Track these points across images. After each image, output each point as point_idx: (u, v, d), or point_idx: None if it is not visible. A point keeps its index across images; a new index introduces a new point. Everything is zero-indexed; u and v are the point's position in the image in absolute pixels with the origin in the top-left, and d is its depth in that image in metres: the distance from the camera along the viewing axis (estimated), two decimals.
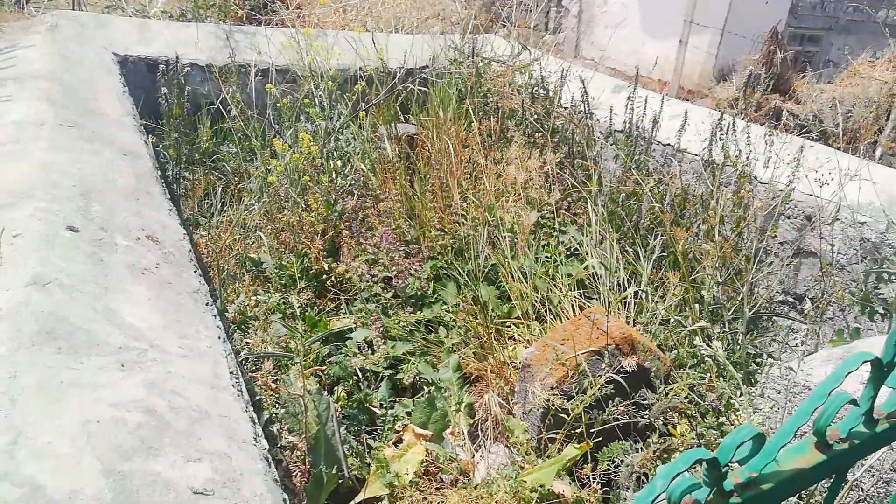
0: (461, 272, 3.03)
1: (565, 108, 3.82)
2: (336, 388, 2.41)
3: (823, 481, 1.50)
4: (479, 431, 2.39)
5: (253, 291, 2.92)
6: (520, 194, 3.16)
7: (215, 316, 1.65)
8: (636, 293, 2.81)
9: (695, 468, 0.78)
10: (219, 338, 1.54)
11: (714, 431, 2.02)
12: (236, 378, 1.42)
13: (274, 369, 2.30)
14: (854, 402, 0.93)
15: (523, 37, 4.22)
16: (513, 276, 2.97)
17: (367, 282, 2.91)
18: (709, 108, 4.33)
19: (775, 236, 3.03)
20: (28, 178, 1.87)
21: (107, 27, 4.19)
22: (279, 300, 2.83)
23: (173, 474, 1.04)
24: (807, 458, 0.88)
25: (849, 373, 0.83)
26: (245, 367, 2.03)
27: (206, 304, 1.68)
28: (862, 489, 1.69)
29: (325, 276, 3.03)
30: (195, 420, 1.20)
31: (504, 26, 5.60)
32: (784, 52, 8.98)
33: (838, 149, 3.33)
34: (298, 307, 2.74)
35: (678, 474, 0.70)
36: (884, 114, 8.43)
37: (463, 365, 2.64)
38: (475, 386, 2.66)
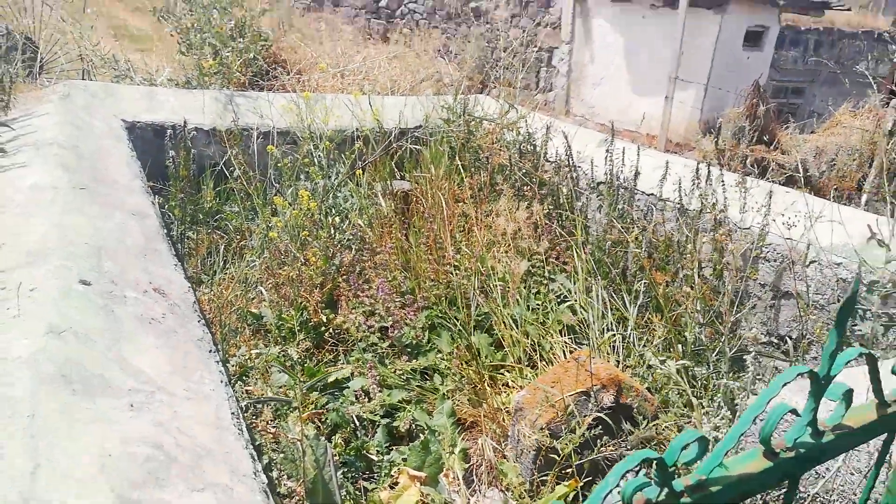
0: (455, 321, 3.13)
1: (552, 162, 3.99)
2: (334, 436, 2.48)
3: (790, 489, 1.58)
4: (474, 477, 2.45)
5: (254, 345, 3.01)
6: (510, 244, 3.29)
7: (218, 362, 1.75)
8: (624, 337, 2.90)
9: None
10: (221, 382, 1.63)
11: None
12: (237, 419, 1.51)
13: (274, 420, 2.38)
14: (795, 411, 1.02)
15: (511, 96, 4.43)
16: (505, 324, 3.06)
17: (364, 332, 3.00)
18: (694, 160, 4.53)
19: (756, 279, 3.14)
20: (44, 237, 2.00)
21: (115, 96, 4.42)
22: (279, 352, 2.92)
23: (180, 503, 1.12)
24: (755, 465, 0.97)
25: (785, 383, 0.93)
26: (246, 415, 2.11)
27: (210, 350, 1.78)
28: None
29: (323, 328, 3.13)
30: (199, 456, 1.29)
31: (494, 87, 5.86)
32: (766, 104, 9.30)
33: (825, 197, 3.47)
34: (297, 358, 2.84)
35: (628, 471, 0.79)
36: (866, 161, 8.66)
37: (458, 411, 2.71)
38: (470, 432, 2.73)
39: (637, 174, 3.47)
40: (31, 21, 5.98)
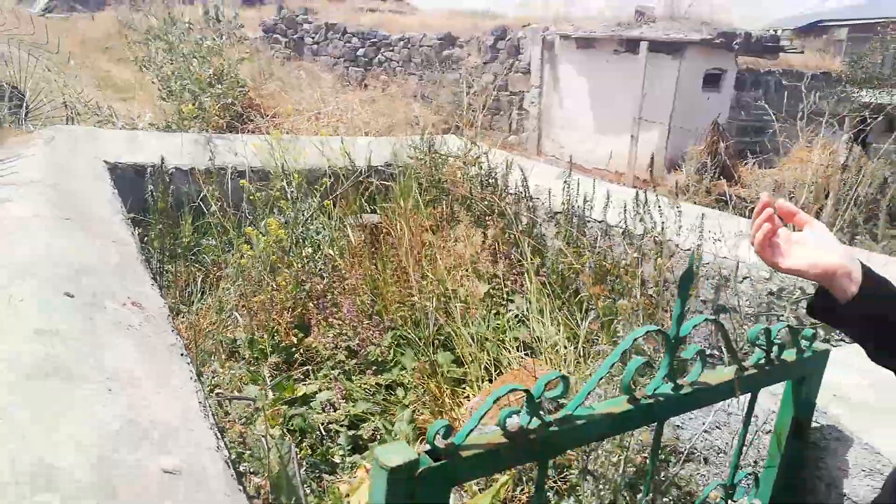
0: (419, 340, 3.33)
1: (512, 194, 4.27)
2: (302, 443, 2.66)
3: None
4: None
5: (228, 367, 3.18)
6: (468, 268, 3.52)
7: (189, 363, 1.94)
8: (576, 349, 3.12)
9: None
10: (190, 379, 1.83)
11: None
12: (204, 408, 1.70)
13: (242, 423, 2.55)
14: (650, 363, 1.25)
15: (484, 137, 4.73)
16: (465, 342, 3.27)
17: (332, 351, 3.20)
18: (661, 195, 4.91)
19: (697, 295, 3.39)
20: (30, 258, 2.20)
21: (98, 139, 4.66)
22: (251, 373, 3.10)
23: (149, 462, 1.31)
24: (619, 408, 1.19)
25: (635, 339, 1.16)
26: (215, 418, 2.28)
27: (181, 354, 1.98)
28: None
29: (293, 349, 3.32)
30: (168, 431, 1.48)
31: (458, 128, 6.17)
32: (726, 142, 9.74)
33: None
34: (268, 376, 3.02)
35: (498, 398, 1.01)
36: (823, 193, 9.07)
37: (419, 421, 2.90)
38: None
39: (585, 201, 3.74)
40: (18, 71, 6.24)
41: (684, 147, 10.06)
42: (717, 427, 1.86)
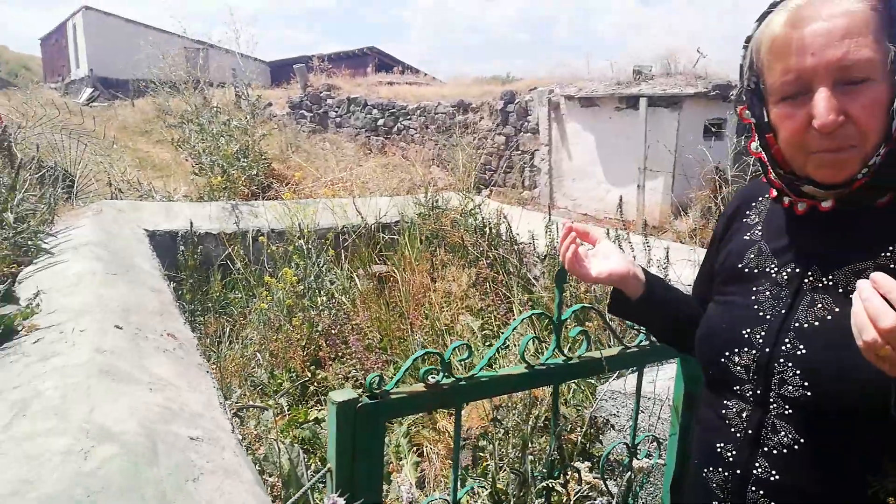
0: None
1: (504, 240, 4.73)
2: (312, 458, 3.07)
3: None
4: (425, 483, 3.01)
5: (251, 400, 3.64)
6: (460, 305, 3.97)
7: (213, 378, 2.41)
8: None
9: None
10: (213, 386, 2.29)
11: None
12: (223, 406, 2.16)
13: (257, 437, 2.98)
14: (538, 338, 1.66)
15: (466, 190, 5.26)
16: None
17: (341, 381, 3.63)
18: (668, 241, 5.41)
19: None
20: (87, 302, 2.72)
21: (139, 210, 5.29)
22: (272, 404, 3.55)
23: (180, 431, 1.77)
24: (516, 372, 1.61)
25: (522, 319, 1.59)
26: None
27: (207, 372, 2.45)
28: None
29: (308, 382, 3.76)
30: (194, 415, 1.94)
31: (479, 187, 6.70)
32: (728, 188, 10.11)
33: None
34: (287, 406, 3.46)
35: (416, 358, 1.44)
36: None
37: (416, 438, 3.29)
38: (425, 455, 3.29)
39: None
40: (68, 156, 7.03)
41: (689, 193, 10.44)
42: (642, 412, 2.23)
